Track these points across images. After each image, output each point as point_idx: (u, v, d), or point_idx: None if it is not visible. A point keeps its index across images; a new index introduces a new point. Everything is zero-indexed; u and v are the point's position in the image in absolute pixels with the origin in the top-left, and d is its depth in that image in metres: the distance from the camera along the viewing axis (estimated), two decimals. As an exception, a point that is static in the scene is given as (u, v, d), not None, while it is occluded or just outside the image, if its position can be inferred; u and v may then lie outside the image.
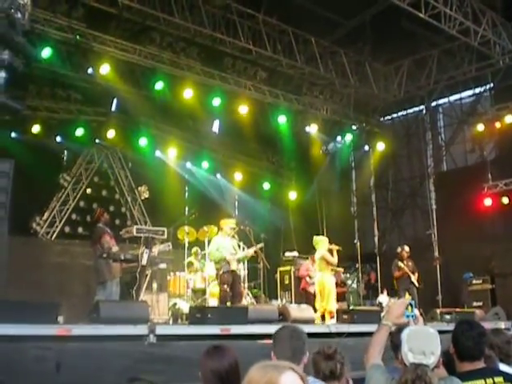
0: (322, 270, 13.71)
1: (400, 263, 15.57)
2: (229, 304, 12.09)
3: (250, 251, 13.48)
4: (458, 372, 4.26)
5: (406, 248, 15.88)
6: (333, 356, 4.52)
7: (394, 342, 4.66)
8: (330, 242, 13.93)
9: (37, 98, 16.88)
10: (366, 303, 18.33)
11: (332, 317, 13.01)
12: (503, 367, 4.83)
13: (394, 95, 20.93)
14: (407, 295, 15.49)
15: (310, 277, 14.74)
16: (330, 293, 13.41)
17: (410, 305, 3.83)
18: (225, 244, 12.71)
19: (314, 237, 14.21)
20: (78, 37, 15.00)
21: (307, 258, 15.82)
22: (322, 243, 13.85)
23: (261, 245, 13.76)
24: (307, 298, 14.40)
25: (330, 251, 13.79)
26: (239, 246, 13.69)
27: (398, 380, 3.44)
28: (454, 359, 4.45)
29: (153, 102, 17.83)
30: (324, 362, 4.52)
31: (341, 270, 15.10)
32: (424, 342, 3.51)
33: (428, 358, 3.43)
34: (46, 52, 14.62)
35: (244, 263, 14.10)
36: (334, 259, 13.76)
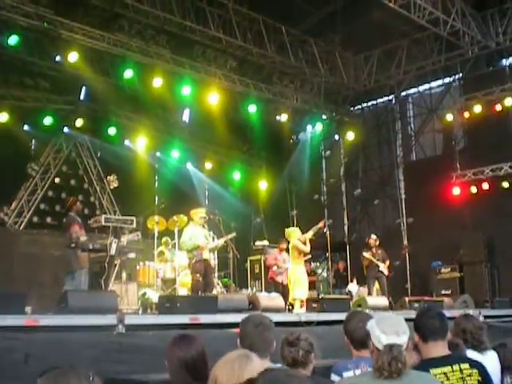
0: (293, 259, 13.76)
1: (365, 253, 15.63)
2: (200, 293, 12.07)
3: (221, 241, 13.47)
4: (424, 359, 4.28)
5: (373, 236, 15.95)
6: (295, 343, 4.50)
7: (347, 328, 4.68)
8: (302, 232, 13.97)
9: (4, 86, 16.65)
10: (335, 292, 18.43)
11: (302, 306, 13.07)
12: (472, 354, 4.85)
13: (363, 85, 21.02)
14: (376, 284, 15.61)
15: (277, 266, 14.72)
16: (300, 282, 13.46)
17: None
18: (197, 234, 12.70)
19: (286, 229, 14.26)
20: (45, 24, 14.80)
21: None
22: (293, 234, 13.90)
23: (232, 234, 13.77)
24: (275, 287, 14.40)
25: (304, 242, 13.85)
26: (209, 236, 13.68)
27: (374, 365, 3.44)
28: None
29: (122, 90, 17.71)
30: (287, 348, 4.51)
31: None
32: (395, 323, 3.54)
33: (401, 337, 3.46)
34: (13, 39, 14.40)
35: (214, 253, 14.08)
36: (306, 248, 13.82)
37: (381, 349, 3.45)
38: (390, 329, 3.48)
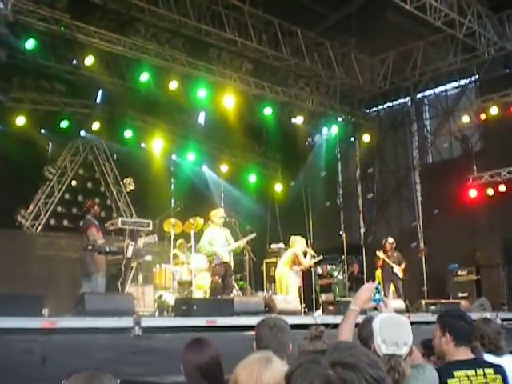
0: (287, 265, 13.67)
1: (379, 252, 15.62)
2: (219, 296, 12.07)
3: (243, 242, 13.42)
4: (448, 361, 4.28)
5: (390, 239, 15.94)
6: (320, 336, 4.52)
7: (363, 335, 4.64)
8: (313, 241, 13.96)
9: (21, 89, 16.79)
10: (350, 295, 18.38)
11: None
12: (489, 358, 4.83)
13: (379, 87, 20.96)
14: (392, 286, 15.56)
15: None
16: (288, 287, 13.39)
17: (377, 289, 3.82)
18: (217, 236, 12.66)
19: (292, 236, 14.20)
20: (62, 28, 14.89)
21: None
22: (298, 243, 13.85)
23: (253, 235, 13.74)
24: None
25: (305, 253, 13.81)
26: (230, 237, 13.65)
27: None
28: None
29: (138, 93, 17.77)
30: (311, 343, 4.51)
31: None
32: (397, 333, 3.51)
33: (401, 348, 3.45)
34: (30, 43, 14.49)
35: (230, 255, 14.08)
36: (305, 261, 13.73)
37: (380, 356, 3.44)
38: (391, 339, 3.46)
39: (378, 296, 3.78)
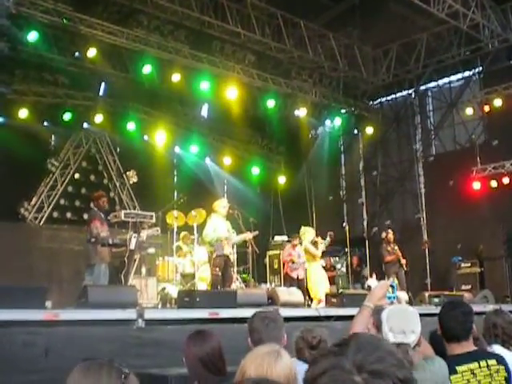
0: (308, 261, 13.79)
1: (396, 247, 15.66)
2: (220, 288, 12.08)
3: (246, 236, 13.40)
4: (449, 355, 4.22)
5: (391, 232, 15.97)
6: (317, 347, 4.52)
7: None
8: (317, 232, 14.01)
9: (24, 82, 16.78)
10: (351, 287, 18.41)
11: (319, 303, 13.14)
12: (498, 349, 4.79)
13: (382, 79, 20.93)
14: (395, 279, 15.57)
15: (292, 261, 14.62)
16: (319, 283, 13.50)
17: (392, 287, 3.81)
18: (220, 225, 12.67)
19: (302, 227, 14.26)
20: (64, 20, 14.87)
21: (292, 242, 15.83)
22: (307, 234, 13.92)
23: (256, 232, 13.76)
24: (291, 282, 14.39)
25: (315, 243, 13.85)
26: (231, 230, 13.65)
27: None
28: (442, 341, 4.45)
29: (141, 86, 17.75)
30: (308, 351, 4.52)
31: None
32: (404, 321, 3.51)
33: (408, 336, 3.44)
34: (33, 36, 14.49)
35: (234, 247, 14.06)
36: (318, 251, 13.83)
37: None
38: (397, 327, 3.46)
39: (392, 294, 3.78)
